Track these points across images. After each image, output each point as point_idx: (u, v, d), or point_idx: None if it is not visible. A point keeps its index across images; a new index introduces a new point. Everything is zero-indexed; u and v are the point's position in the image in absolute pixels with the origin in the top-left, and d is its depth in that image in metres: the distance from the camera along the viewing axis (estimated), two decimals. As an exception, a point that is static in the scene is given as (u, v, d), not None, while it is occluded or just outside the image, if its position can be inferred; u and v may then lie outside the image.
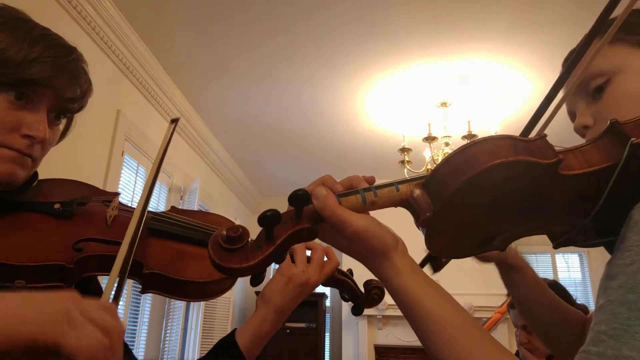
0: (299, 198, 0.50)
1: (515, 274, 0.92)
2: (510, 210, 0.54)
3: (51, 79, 0.70)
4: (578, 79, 0.65)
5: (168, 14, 2.93)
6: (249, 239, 0.49)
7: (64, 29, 2.53)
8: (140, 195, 3.41)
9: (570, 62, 0.65)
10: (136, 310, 3.51)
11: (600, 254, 5.49)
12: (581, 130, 0.68)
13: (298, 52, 3.28)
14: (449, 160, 0.51)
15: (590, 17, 0.61)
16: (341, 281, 0.87)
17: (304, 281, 0.83)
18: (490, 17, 2.91)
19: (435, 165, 0.52)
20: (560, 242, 0.61)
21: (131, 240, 0.67)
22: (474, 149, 0.50)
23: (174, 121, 0.89)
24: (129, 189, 3.33)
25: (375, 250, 0.52)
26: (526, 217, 0.56)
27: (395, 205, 0.54)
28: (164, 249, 0.78)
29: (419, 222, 0.52)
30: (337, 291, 0.88)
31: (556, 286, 1.94)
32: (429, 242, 0.55)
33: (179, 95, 3.81)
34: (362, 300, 0.86)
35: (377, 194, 0.53)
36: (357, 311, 0.85)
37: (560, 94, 0.67)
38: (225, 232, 0.49)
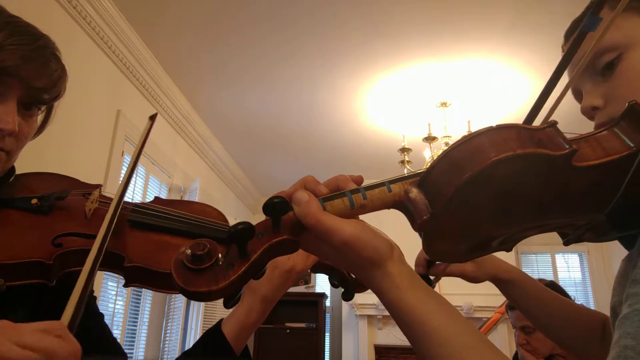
0: (276, 206, 0.44)
1: (512, 288, 0.88)
2: (519, 209, 0.48)
3: (17, 68, 0.67)
4: (588, 56, 0.55)
5: (168, 14, 2.93)
6: (219, 256, 0.43)
7: (64, 29, 2.53)
8: (139, 194, 3.37)
9: (577, 36, 0.55)
10: (136, 310, 3.51)
11: (600, 254, 5.49)
12: (589, 111, 0.60)
13: (298, 52, 3.28)
14: (447, 154, 0.45)
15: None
16: (330, 267, 0.85)
17: (290, 268, 0.80)
18: (491, 17, 2.91)
19: (432, 161, 0.45)
20: (571, 239, 0.56)
21: (105, 233, 0.65)
22: (476, 142, 0.44)
23: (152, 117, 0.86)
24: (129, 188, 3.33)
25: (368, 260, 0.45)
26: (536, 215, 0.50)
27: (388, 207, 0.48)
28: (145, 241, 0.76)
29: (416, 226, 0.47)
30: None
31: (554, 287, 1.94)
32: (427, 246, 0.50)
33: (179, 95, 3.81)
34: (352, 285, 0.84)
35: (366, 195, 0.47)
36: (347, 296, 0.82)
37: (566, 74, 0.60)
38: (189, 250, 0.42)
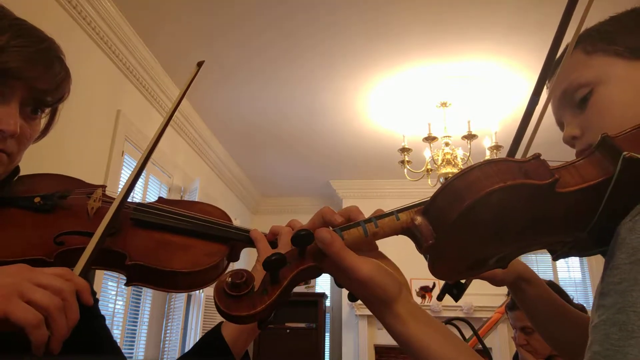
0: (303, 239, 0.50)
1: (530, 288, 0.91)
2: (510, 231, 0.55)
3: (20, 69, 0.67)
4: (556, 92, 0.68)
5: (168, 14, 2.93)
6: (254, 283, 0.49)
7: (65, 29, 2.53)
8: (139, 194, 3.36)
9: (538, 82, 0.68)
10: (136, 310, 3.51)
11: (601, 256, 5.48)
12: (570, 141, 0.69)
13: (299, 53, 3.28)
14: (447, 186, 0.52)
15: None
16: None
17: None
18: (490, 18, 2.91)
19: (434, 193, 0.54)
20: (559, 254, 0.62)
21: (108, 224, 0.65)
22: (472, 175, 0.51)
23: (200, 64, 0.87)
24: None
25: (378, 299, 0.52)
26: (526, 236, 0.57)
27: (397, 234, 0.55)
28: (147, 239, 0.76)
29: (422, 250, 0.53)
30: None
31: (552, 286, 1.94)
32: (432, 267, 0.56)
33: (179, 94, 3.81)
34: None
35: (377, 224, 0.54)
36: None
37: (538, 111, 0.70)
38: (230, 278, 0.48)
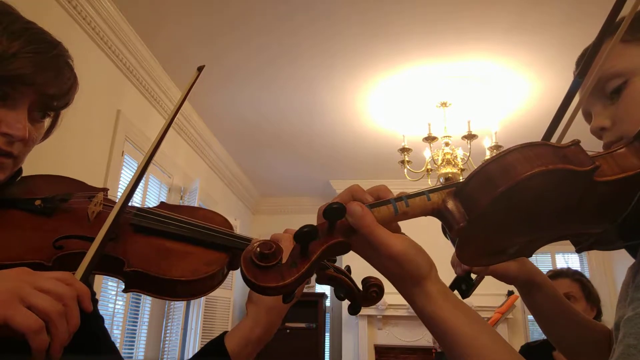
0: (335, 212, 0.48)
1: (539, 293, 0.90)
2: (543, 218, 0.53)
3: (32, 75, 0.67)
4: (593, 81, 0.64)
5: (168, 14, 2.93)
6: (282, 256, 0.48)
7: (64, 29, 2.53)
8: (140, 194, 3.35)
9: (583, 65, 0.64)
10: (136, 310, 3.51)
11: (601, 254, 5.48)
12: (598, 132, 0.66)
13: (299, 53, 3.28)
14: (483, 169, 0.50)
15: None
16: (337, 279, 0.83)
17: None
18: (490, 18, 2.91)
19: (468, 175, 0.52)
20: (583, 246, 0.60)
21: (109, 230, 0.64)
22: (511, 158, 0.49)
23: (200, 69, 0.86)
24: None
25: (409, 275, 0.50)
26: (556, 224, 0.55)
27: (427, 215, 0.53)
28: (147, 246, 0.75)
29: (454, 232, 0.51)
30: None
31: (580, 276, 1.97)
32: (460, 251, 0.54)
33: (179, 95, 3.80)
34: (359, 298, 0.82)
35: (408, 203, 0.52)
36: (354, 310, 0.81)
37: (577, 96, 0.67)
38: (258, 248, 0.47)
